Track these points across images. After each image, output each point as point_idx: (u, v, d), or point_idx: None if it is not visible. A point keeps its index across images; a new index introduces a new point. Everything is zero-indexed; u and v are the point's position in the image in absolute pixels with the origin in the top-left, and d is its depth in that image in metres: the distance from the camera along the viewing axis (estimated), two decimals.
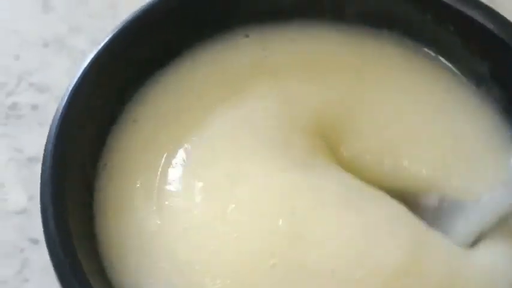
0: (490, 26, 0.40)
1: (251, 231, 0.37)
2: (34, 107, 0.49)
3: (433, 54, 0.43)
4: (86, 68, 0.39)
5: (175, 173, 0.39)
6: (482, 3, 0.41)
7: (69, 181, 0.36)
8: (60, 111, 0.37)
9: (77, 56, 0.51)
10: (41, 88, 0.50)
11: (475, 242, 0.38)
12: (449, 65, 0.43)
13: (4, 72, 0.51)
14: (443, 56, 0.43)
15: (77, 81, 0.38)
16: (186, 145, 0.40)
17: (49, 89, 0.50)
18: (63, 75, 0.50)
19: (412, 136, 0.41)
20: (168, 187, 0.39)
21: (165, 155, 0.40)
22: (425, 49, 0.43)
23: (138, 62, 0.42)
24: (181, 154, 0.40)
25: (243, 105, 0.42)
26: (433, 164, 0.40)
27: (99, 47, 0.39)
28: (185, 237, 0.37)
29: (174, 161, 0.40)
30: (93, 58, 0.39)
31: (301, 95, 0.42)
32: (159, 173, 0.39)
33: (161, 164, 0.40)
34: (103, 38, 0.40)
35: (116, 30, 0.40)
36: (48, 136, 0.37)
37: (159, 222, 0.38)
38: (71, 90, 0.38)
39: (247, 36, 0.44)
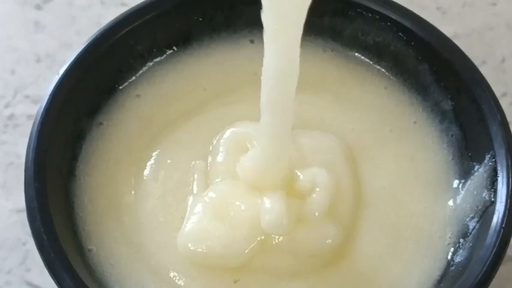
0: (459, 69, 0.45)
1: None
2: (29, 117, 0.54)
3: (407, 89, 0.48)
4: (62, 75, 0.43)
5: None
6: (459, 50, 0.46)
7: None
8: (40, 114, 0.42)
9: None
10: (36, 99, 0.55)
11: None
12: (420, 99, 0.47)
13: (1, 86, 0.55)
14: (417, 91, 0.47)
15: (51, 92, 0.43)
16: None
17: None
18: None
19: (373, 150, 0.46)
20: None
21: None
22: (402, 82, 0.48)
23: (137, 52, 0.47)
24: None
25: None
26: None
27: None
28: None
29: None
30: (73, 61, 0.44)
31: None
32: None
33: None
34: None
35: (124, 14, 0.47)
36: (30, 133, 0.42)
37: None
38: (46, 103, 0.43)
39: (252, 42, 0.49)
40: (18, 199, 0.50)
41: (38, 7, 0.59)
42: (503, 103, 0.53)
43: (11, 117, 0.54)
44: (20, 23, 0.59)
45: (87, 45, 0.45)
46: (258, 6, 0.46)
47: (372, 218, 0.43)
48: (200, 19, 0.48)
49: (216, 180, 0.44)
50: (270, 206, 0.40)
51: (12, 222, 0.49)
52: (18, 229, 0.49)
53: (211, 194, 0.42)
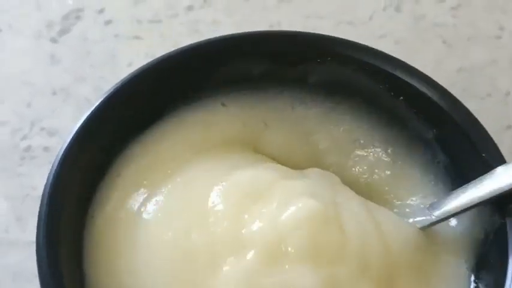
0: (436, 99, 0.45)
1: None
2: (46, 149, 0.55)
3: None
4: (76, 131, 0.44)
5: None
6: (433, 81, 0.46)
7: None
8: (54, 168, 0.42)
9: (82, 103, 0.57)
10: (51, 132, 0.56)
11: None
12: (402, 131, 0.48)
13: (18, 119, 0.57)
14: (397, 124, 0.48)
15: (67, 145, 0.43)
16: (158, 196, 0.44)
17: (58, 133, 0.56)
18: (70, 119, 0.56)
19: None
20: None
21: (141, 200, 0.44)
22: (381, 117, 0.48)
23: (121, 125, 0.46)
24: (154, 202, 0.44)
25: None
26: None
27: (91, 108, 0.45)
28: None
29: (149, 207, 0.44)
30: (83, 122, 0.44)
31: None
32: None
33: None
34: (97, 99, 0.45)
35: (105, 96, 0.45)
36: (43, 194, 0.42)
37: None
38: (63, 152, 0.43)
39: (223, 104, 0.48)
40: (34, 231, 0.51)
41: (54, 40, 0.61)
42: (508, 135, 0.54)
43: (27, 149, 0.55)
44: (35, 56, 0.60)
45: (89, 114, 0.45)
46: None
47: None
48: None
49: (230, 258, 0.39)
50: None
51: (28, 255, 0.50)
52: (34, 261, 0.50)
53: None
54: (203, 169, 0.44)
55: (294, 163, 0.47)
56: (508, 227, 0.41)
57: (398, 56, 0.54)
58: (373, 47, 0.48)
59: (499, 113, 0.55)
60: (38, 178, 0.53)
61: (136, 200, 0.44)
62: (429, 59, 0.59)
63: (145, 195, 0.44)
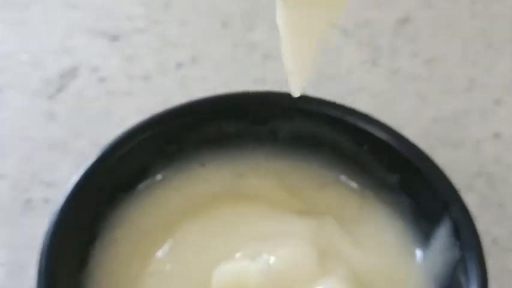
0: (397, 146, 0.49)
1: None
2: (45, 201, 0.58)
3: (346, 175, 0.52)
4: (67, 197, 0.47)
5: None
6: (392, 129, 0.50)
7: None
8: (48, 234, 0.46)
9: (79, 156, 0.60)
10: (50, 184, 0.59)
11: None
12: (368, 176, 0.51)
13: (19, 172, 0.60)
14: (364, 171, 0.51)
15: (57, 213, 0.47)
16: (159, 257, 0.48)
17: (56, 185, 0.59)
18: (68, 172, 0.58)
19: None
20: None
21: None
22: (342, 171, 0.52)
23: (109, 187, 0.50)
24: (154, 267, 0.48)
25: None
26: None
27: (77, 178, 0.48)
28: None
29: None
30: (73, 187, 0.48)
31: None
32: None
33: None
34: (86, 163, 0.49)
35: (91, 163, 0.49)
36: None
37: None
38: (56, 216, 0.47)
39: (203, 165, 0.52)
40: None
41: (51, 98, 0.64)
42: (478, 181, 0.58)
43: (28, 201, 0.58)
44: (34, 113, 0.64)
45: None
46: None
47: None
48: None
49: None
50: None
51: None
52: None
53: None
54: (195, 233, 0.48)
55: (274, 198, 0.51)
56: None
57: (375, 108, 0.58)
58: (352, 99, 0.52)
59: (469, 161, 0.59)
60: (39, 228, 0.55)
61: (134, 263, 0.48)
62: (405, 110, 0.63)
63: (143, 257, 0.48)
